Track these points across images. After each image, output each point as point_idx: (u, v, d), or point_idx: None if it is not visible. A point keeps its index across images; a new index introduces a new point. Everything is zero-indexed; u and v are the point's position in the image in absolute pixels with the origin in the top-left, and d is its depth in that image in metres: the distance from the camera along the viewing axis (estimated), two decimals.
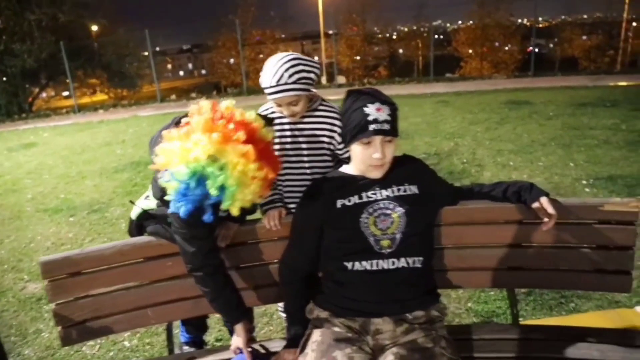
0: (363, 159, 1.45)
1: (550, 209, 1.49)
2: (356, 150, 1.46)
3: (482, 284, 1.77)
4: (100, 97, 21.57)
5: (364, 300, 1.43)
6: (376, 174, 1.48)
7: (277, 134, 1.78)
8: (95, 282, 1.71)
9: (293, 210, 1.80)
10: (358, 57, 17.94)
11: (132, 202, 1.77)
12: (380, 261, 1.42)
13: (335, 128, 1.76)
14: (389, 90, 12.37)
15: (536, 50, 15.59)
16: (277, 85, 1.61)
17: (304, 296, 1.59)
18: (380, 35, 19.60)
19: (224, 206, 1.27)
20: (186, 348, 2.12)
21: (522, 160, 4.91)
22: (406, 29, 20.66)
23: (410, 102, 9.62)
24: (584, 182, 4.20)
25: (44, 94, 20.11)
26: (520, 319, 2.31)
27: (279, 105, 1.69)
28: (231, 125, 1.26)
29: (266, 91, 1.66)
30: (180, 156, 1.24)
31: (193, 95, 16.28)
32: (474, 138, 6.03)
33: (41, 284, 3.00)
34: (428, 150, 5.54)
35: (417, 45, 19.79)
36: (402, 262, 1.43)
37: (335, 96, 12.20)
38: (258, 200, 1.35)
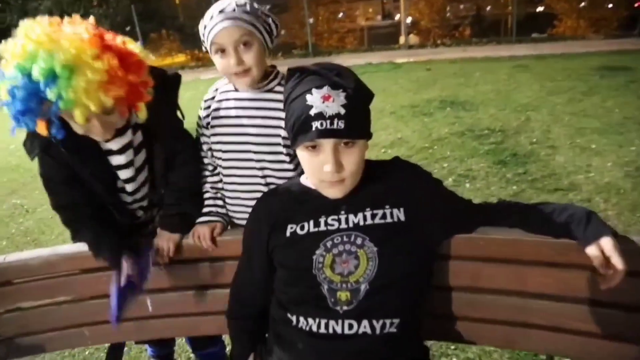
0: (312, 171, 1.00)
1: (616, 259, 0.94)
2: (302, 157, 1.01)
3: (504, 343, 1.27)
4: (180, 58, 22.12)
5: None
6: (334, 193, 1.02)
7: (218, 122, 1.36)
8: (20, 294, 1.46)
9: (240, 223, 1.42)
10: (437, 16, 16.52)
11: None
12: (332, 322, 0.99)
13: None
14: (464, 52, 11.30)
15: None
16: (221, 13, 1.18)
17: (251, 338, 1.20)
18: None
19: (63, 105, 1.00)
20: None
21: (608, 143, 4.03)
22: None
23: (482, 66, 8.54)
24: None
25: None
26: None
27: (222, 51, 1.22)
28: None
29: (206, 31, 1.21)
30: (13, 53, 1.01)
31: None
32: (551, 112, 5.12)
33: None
34: (492, 126, 4.78)
35: (505, 2, 17.84)
36: (363, 327, 0.98)
37: (403, 59, 11.37)
38: (108, 103, 1.04)
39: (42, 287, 1.44)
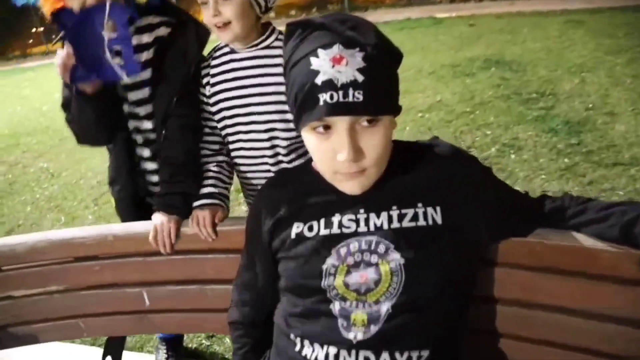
0: (323, 160, 0.78)
1: None
2: (308, 141, 0.78)
3: None
4: None
5: None
6: (352, 187, 0.80)
7: (218, 88, 1.23)
8: (10, 282, 1.34)
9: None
10: None
11: None
12: (344, 352, 0.78)
13: None
14: (510, 6, 10.49)
15: None
16: None
17: (255, 349, 1.03)
18: None
19: None
20: (162, 346, 1.73)
21: None
22: None
23: (531, 22, 7.86)
24: None
25: None
26: None
27: (204, 3, 1.12)
28: None
29: None
30: None
31: (292, 12, 15.65)
32: (610, 73, 4.60)
33: None
34: (541, 88, 4.35)
35: None
36: None
37: (444, 13, 10.67)
38: None
39: (32, 275, 1.32)
